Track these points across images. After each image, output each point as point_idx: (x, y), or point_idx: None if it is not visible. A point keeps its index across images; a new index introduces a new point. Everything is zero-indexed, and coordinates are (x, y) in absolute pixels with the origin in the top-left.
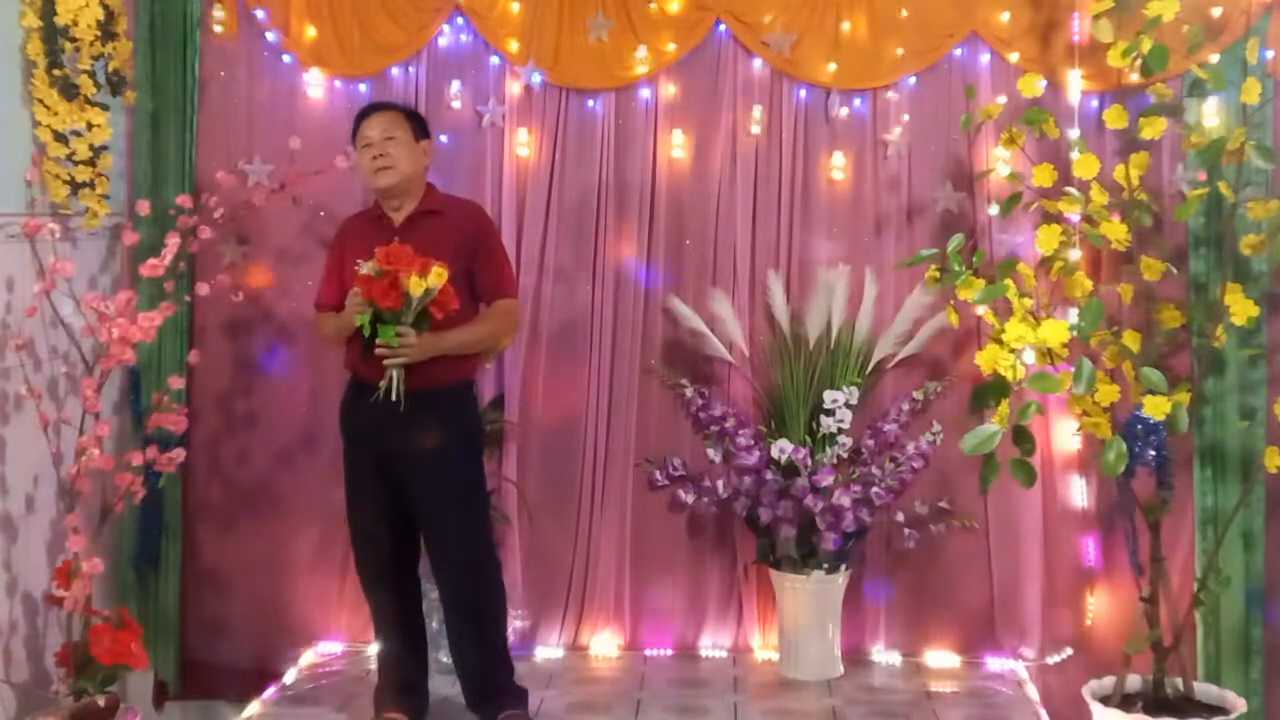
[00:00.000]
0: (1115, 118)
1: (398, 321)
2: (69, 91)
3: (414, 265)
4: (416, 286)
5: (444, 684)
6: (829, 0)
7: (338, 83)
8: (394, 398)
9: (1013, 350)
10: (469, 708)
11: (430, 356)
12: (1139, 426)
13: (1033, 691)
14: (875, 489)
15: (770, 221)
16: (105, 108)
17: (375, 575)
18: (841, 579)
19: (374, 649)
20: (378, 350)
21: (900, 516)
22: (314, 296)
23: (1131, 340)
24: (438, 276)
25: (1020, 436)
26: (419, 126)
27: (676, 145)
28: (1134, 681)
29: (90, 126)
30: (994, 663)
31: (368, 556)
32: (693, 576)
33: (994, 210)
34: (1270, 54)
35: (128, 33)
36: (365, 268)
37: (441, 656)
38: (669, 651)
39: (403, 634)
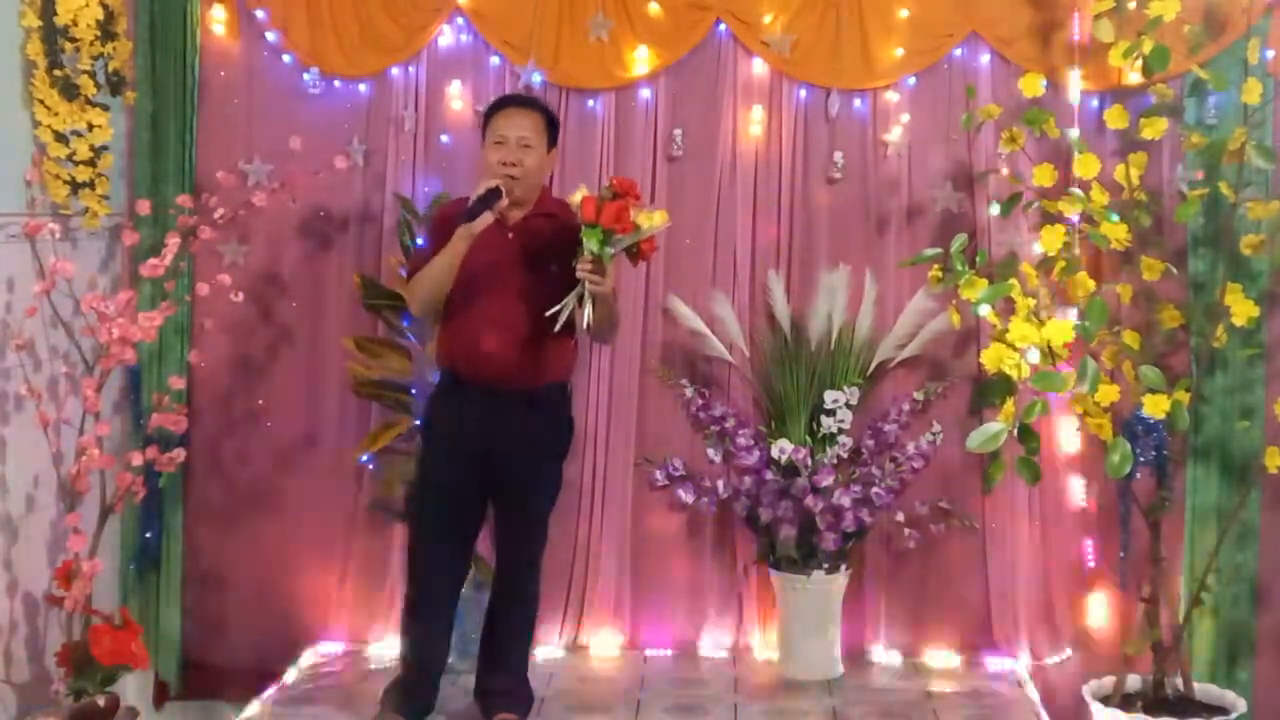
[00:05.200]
0: (1115, 118)
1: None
2: (69, 92)
3: (640, 200)
4: (648, 220)
5: (444, 683)
6: (829, 0)
7: (337, 83)
8: (584, 322)
9: (1017, 349)
10: (476, 693)
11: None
12: (1139, 427)
13: (1033, 691)
14: (875, 489)
15: (770, 221)
16: (105, 108)
17: (440, 578)
18: (841, 579)
19: (372, 649)
20: (580, 272)
21: (900, 516)
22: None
23: (1131, 340)
24: (662, 217)
25: (1025, 435)
26: (555, 135)
27: (676, 145)
28: (1134, 681)
29: (90, 127)
30: (994, 663)
31: (439, 560)
32: (693, 576)
33: (994, 210)
34: (1271, 54)
35: (127, 33)
36: (581, 192)
37: None
38: (669, 651)
39: (440, 636)
